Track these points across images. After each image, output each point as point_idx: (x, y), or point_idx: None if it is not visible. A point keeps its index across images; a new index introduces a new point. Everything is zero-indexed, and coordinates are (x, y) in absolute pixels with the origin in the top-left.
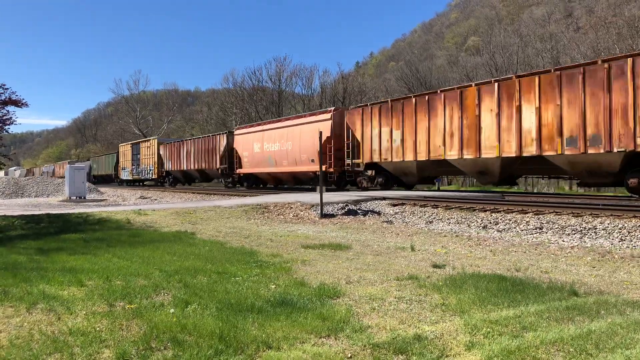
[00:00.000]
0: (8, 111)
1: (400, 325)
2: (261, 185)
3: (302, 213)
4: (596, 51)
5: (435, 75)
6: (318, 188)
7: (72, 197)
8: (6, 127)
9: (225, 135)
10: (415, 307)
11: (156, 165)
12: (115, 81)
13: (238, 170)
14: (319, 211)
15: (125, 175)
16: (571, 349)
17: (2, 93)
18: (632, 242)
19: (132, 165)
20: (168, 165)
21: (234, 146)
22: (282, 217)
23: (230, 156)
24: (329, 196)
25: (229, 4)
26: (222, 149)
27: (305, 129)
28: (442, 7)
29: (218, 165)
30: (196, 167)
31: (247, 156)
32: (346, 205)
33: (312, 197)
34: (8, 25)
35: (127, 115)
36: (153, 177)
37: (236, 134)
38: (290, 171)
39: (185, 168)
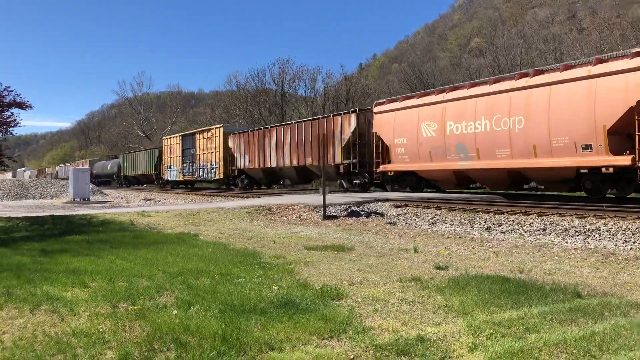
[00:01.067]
0: (12, 113)
1: (403, 327)
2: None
3: (305, 215)
4: (600, 52)
5: (439, 77)
6: (320, 189)
7: (76, 199)
8: (10, 129)
9: (353, 114)
10: (418, 308)
11: (221, 163)
12: (119, 83)
13: (384, 167)
14: (322, 213)
15: (172, 175)
16: (574, 351)
17: (6, 95)
18: (636, 244)
19: (183, 163)
20: (242, 162)
21: (374, 130)
22: (285, 218)
23: (363, 146)
24: (332, 198)
25: (232, 6)
26: (347, 134)
27: (561, 90)
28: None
29: (339, 160)
30: (294, 163)
31: (404, 144)
32: (349, 206)
33: (315, 199)
34: (12, 28)
35: (131, 117)
36: (216, 177)
37: (378, 112)
38: (523, 167)
39: (272, 165)
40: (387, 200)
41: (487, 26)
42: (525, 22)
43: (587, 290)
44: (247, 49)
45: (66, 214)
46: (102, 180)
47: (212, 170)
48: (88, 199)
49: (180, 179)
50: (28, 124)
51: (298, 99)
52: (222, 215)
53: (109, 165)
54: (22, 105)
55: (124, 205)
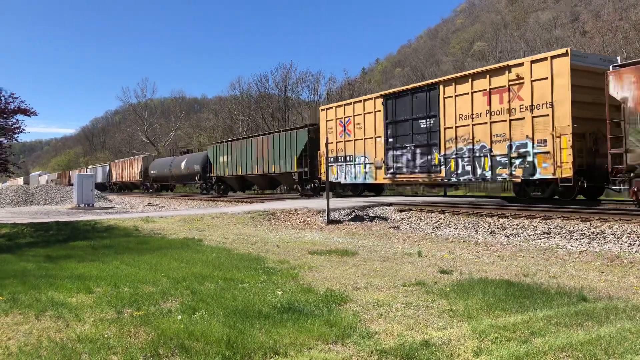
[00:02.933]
0: (17, 120)
1: (407, 331)
2: None
3: (308, 219)
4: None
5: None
6: (324, 194)
7: (80, 205)
8: (15, 135)
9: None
10: (422, 313)
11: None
12: (122, 89)
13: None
14: (326, 217)
15: (348, 175)
16: (580, 355)
17: (11, 102)
18: None
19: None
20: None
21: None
22: (288, 223)
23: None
24: (335, 202)
25: (235, 12)
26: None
27: None
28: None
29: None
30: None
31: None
32: (353, 211)
33: (319, 203)
34: (17, 35)
35: (135, 123)
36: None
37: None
38: None
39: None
40: (391, 204)
41: (489, 30)
42: (527, 26)
43: (593, 294)
44: (250, 54)
45: (70, 220)
46: (166, 185)
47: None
48: (92, 205)
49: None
50: (33, 130)
51: (301, 103)
52: (226, 221)
53: (184, 163)
54: (26, 112)
55: (128, 211)
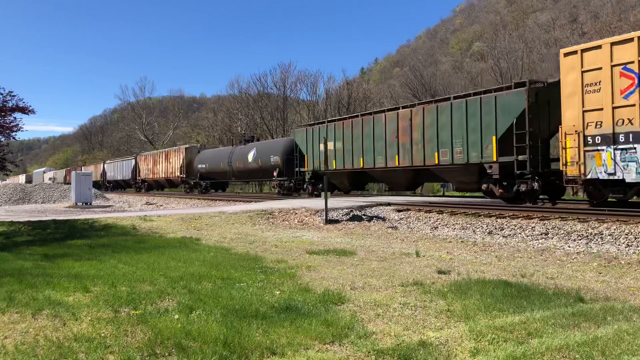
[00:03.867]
0: (15, 118)
1: (404, 332)
2: None
3: (306, 219)
4: None
5: (440, 81)
6: (323, 194)
7: (78, 203)
8: (13, 133)
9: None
10: (420, 313)
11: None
12: (121, 88)
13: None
14: (324, 217)
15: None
16: (577, 356)
17: (9, 100)
18: (639, 248)
19: None
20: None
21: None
22: (286, 222)
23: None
24: (334, 202)
25: (233, 11)
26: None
27: None
28: (446, 13)
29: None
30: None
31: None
32: (351, 211)
33: (317, 203)
34: (15, 33)
35: (133, 121)
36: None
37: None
38: None
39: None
40: (389, 204)
41: (488, 30)
42: (526, 26)
43: (590, 295)
44: (249, 53)
45: (68, 218)
46: (220, 183)
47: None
48: (90, 204)
49: None
50: (31, 128)
51: (300, 103)
52: (224, 220)
53: (253, 154)
54: (24, 110)
55: (126, 210)
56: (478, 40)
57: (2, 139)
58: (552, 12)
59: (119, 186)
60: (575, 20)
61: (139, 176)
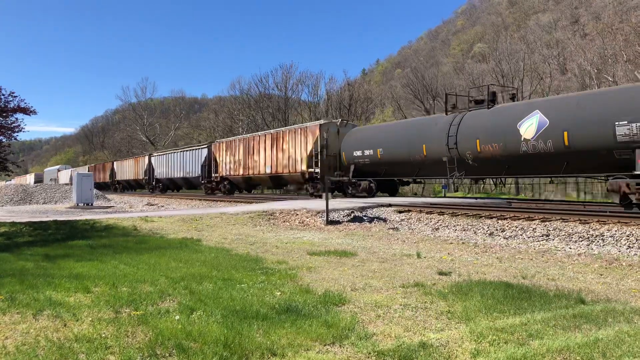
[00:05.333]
0: (17, 119)
1: (405, 333)
2: None
3: (307, 220)
4: (603, 57)
5: (442, 82)
6: (324, 195)
7: (79, 204)
8: (15, 134)
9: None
10: (420, 314)
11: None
12: (122, 89)
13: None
14: (325, 218)
15: None
16: (578, 357)
17: (10, 101)
18: None
19: None
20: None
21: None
22: (287, 223)
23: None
24: (335, 203)
25: (236, 12)
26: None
27: None
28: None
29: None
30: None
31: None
32: (352, 212)
33: (318, 204)
34: (17, 34)
35: (135, 122)
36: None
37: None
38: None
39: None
40: (390, 205)
41: (490, 32)
42: (528, 28)
43: (591, 296)
44: (251, 54)
45: (69, 219)
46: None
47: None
48: (91, 204)
49: None
50: (32, 129)
51: (301, 104)
52: (225, 221)
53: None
54: (26, 111)
55: (127, 211)
56: (479, 42)
57: (4, 140)
58: (553, 14)
59: (174, 186)
60: (577, 22)
61: (216, 171)
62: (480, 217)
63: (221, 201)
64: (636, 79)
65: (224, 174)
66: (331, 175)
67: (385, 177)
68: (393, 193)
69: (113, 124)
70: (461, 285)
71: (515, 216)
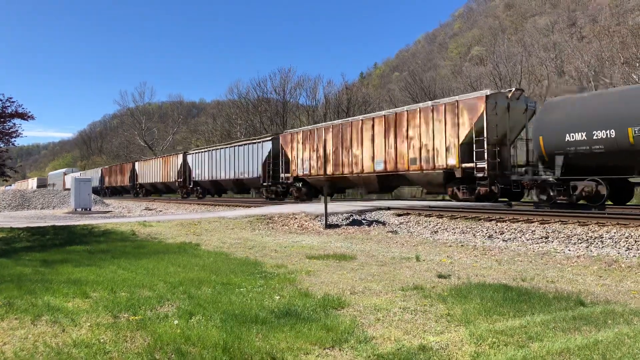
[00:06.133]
0: (14, 124)
1: (405, 336)
2: None
3: (306, 223)
4: (600, 60)
5: (439, 85)
6: (323, 198)
7: (77, 209)
8: (12, 139)
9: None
10: (420, 317)
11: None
12: (120, 93)
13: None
14: (324, 221)
15: None
16: (578, 359)
17: (8, 106)
18: (639, 251)
19: None
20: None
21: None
22: (286, 227)
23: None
24: (333, 206)
25: (233, 17)
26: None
27: None
28: (445, 18)
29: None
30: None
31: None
32: (351, 215)
33: (317, 208)
34: (15, 38)
35: (133, 127)
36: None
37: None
38: None
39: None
40: (389, 208)
41: (487, 34)
42: (525, 31)
43: (590, 298)
44: (249, 58)
45: (67, 224)
46: None
47: None
48: (90, 209)
49: None
50: (30, 134)
51: (299, 108)
52: (224, 225)
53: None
54: (24, 116)
55: (125, 215)
56: (477, 45)
57: (2, 145)
58: (550, 16)
59: (218, 190)
60: (574, 24)
61: (288, 172)
62: (479, 219)
63: (220, 205)
64: (633, 81)
65: (300, 174)
66: (507, 170)
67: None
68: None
69: (111, 129)
70: (460, 288)
71: (514, 218)
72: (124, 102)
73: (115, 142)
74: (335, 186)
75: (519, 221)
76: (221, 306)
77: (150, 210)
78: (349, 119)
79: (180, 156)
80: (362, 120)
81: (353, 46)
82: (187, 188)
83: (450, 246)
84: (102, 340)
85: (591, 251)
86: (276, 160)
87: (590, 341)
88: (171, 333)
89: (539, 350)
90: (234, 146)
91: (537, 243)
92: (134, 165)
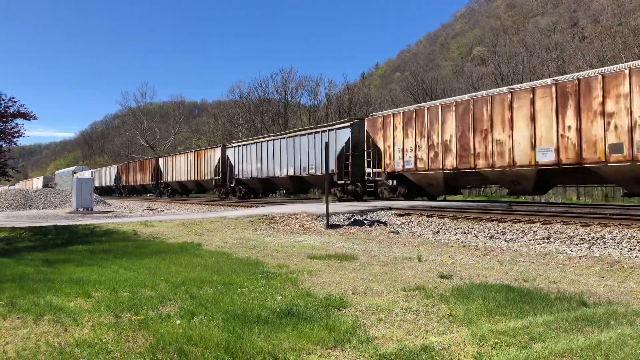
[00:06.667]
0: (17, 124)
1: (407, 336)
2: None
3: (308, 224)
4: (602, 60)
5: (441, 86)
6: (324, 198)
7: (79, 209)
8: (15, 139)
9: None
10: (422, 317)
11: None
12: (122, 93)
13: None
14: (325, 222)
15: None
16: None
17: (10, 106)
18: None
19: None
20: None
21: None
22: (288, 227)
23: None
24: (334, 206)
25: (235, 17)
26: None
27: None
28: (447, 18)
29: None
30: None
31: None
32: (352, 215)
33: (318, 208)
34: (16, 38)
35: (134, 127)
36: None
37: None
38: None
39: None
40: (390, 209)
41: (489, 35)
42: (527, 31)
43: (593, 299)
44: (250, 59)
45: (69, 224)
46: None
47: None
48: (91, 209)
49: None
50: (32, 134)
51: (301, 108)
52: (225, 225)
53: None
54: (26, 116)
55: (127, 215)
56: (479, 45)
57: (4, 145)
58: (552, 17)
59: (267, 189)
60: (576, 25)
61: (378, 166)
62: (481, 220)
63: (221, 205)
64: None
65: (398, 169)
66: None
67: None
68: None
69: (113, 129)
70: (462, 289)
71: (516, 219)
72: (126, 102)
73: (117, 142)
74: (457, 183)
75: (521, 221)
76: (223, 306)
77: (152, 210)
78: (484, 92)
79: (218, 150)
80: (512, 92)
81: (354, 46)
82: (227, 187)
83: (452, 246)
84: (104, 340)
85: (593, 252)
86: (355, 153)
87: (593, 342)
88: (173, 333)
89: (542, 351)
90: (294, 136)
91: (539, 243)
92: (157, 162)
